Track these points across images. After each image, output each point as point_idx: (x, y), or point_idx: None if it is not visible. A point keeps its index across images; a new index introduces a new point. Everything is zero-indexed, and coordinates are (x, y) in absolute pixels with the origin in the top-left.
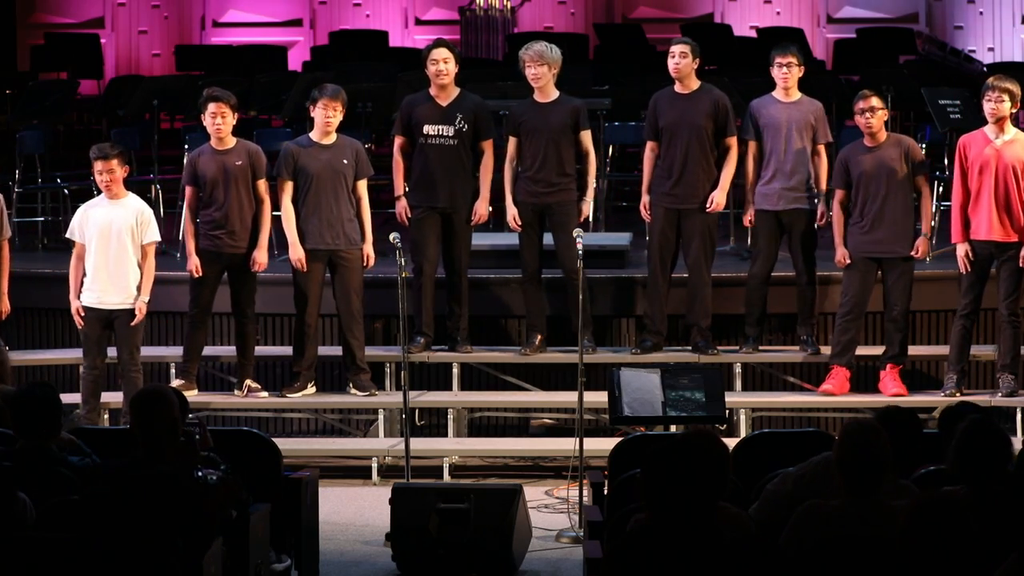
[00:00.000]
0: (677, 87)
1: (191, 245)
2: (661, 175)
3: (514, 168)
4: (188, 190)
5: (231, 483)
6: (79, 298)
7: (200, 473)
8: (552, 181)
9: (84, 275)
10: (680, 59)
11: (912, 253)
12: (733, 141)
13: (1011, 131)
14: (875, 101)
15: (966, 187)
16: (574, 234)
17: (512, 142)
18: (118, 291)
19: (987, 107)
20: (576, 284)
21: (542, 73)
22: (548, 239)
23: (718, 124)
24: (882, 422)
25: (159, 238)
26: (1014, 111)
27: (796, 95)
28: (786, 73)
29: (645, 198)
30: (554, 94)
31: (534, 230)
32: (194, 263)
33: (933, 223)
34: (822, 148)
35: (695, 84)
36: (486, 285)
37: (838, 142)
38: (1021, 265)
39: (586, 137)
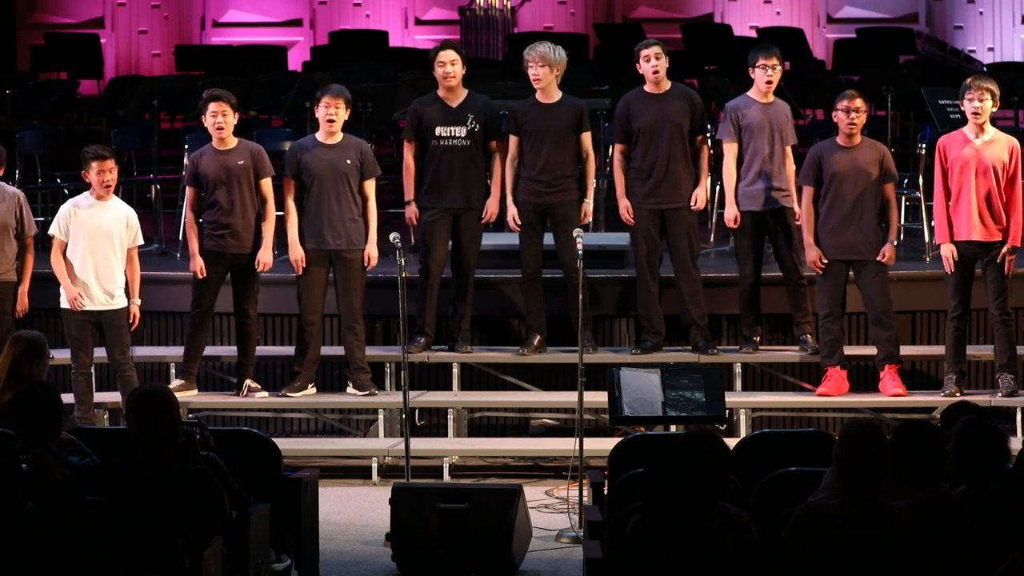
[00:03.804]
0: (650, 88)
1: (194, 246)
2: (639, 177)
3: (515, 168)
4: (189, 191)
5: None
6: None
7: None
8: (553, 181)
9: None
10: (656, 61)
11: (879, 258)
12: (704, 139)
13: (991, 131)
14: (860, 102)
15: (948, 188)
16: (574, 234)
17: (513, 141)
18: (105, 292)
19: (969, 106)
20: (576, 284)
21: (543, 74)
22: (548, 239)
23: (694, 123)
24: (900, 436)
25: (143, 241)
26: (995, 110)
27: (772, 97)
28: (770, 75)
29: (625, 202)
30: (557, 95)
31: (535, 230)
32: (198, 264)
33: (932, 223)
34: (788, 149)
35: (667, 84)
36: (487, 285)
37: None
38: (998, 261)
39: (586, 139)
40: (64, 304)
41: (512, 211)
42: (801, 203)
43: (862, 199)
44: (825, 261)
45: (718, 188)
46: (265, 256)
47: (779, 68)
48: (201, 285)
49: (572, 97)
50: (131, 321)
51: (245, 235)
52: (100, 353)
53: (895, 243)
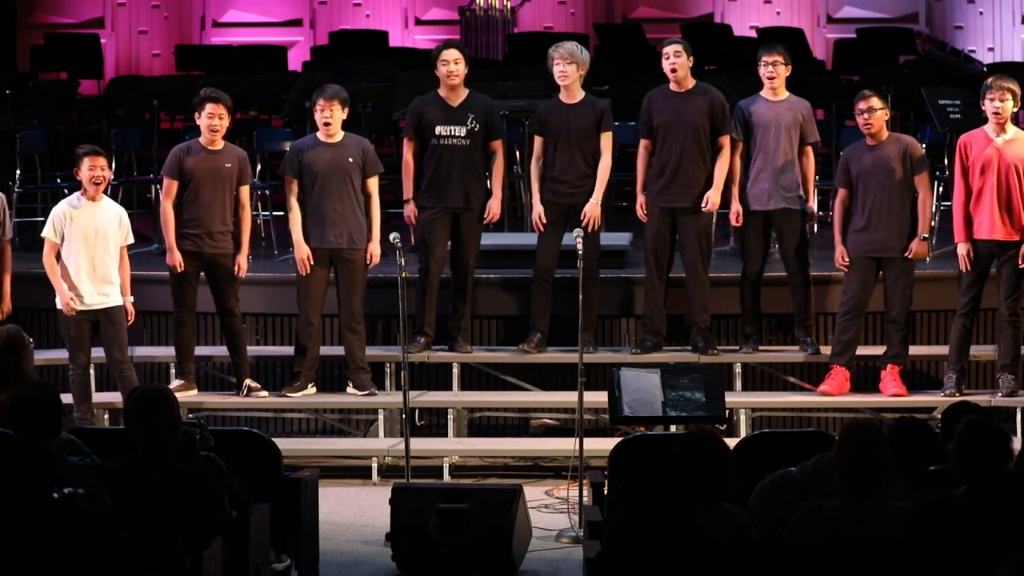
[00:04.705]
0: (672, 86)
1: (171, 239)
2: (655, 174)
3: (540, 167)
4: (170, 183)
5: (94, 492)
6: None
7: (58, 495)
8: (577, 182)
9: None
10: (675, 59)
11: (906, 254)
12: (727, 140)
13: (1012, 130)
14: (875, 101)
15: (967, 186)
16: (574, 234)
17: (538, 141)
18: (101, 292)
19: (990, 106)
20: (587, 282)
21: (570, 72)
22: (567, 239)
23: (714, 122)
24: (895, 433)
25: (133, 240)
26: (1015, 110)
27: (784, 94)
28: (772, 72)
29: (640, 198)
30: (580, 95)
31: (556, 230)
32: (177, 259)
33: (933, 223)
34: (809, 148)
35: (691, 83)
36: (487, 285)
37: (839, 142)
38: (1021, 265)
39: (605, 139)
40: (60, 304)
41: (538, 210)
42: (832, 205)
43: (889, 196)
44: (846, 260)
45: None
46: (243, 262)
47: (783, 64)
48: (180, 284)
49: (594, 97)
50: (127, 319)
51: (221, 236)
52: (98, 353)
53: (923, 237)
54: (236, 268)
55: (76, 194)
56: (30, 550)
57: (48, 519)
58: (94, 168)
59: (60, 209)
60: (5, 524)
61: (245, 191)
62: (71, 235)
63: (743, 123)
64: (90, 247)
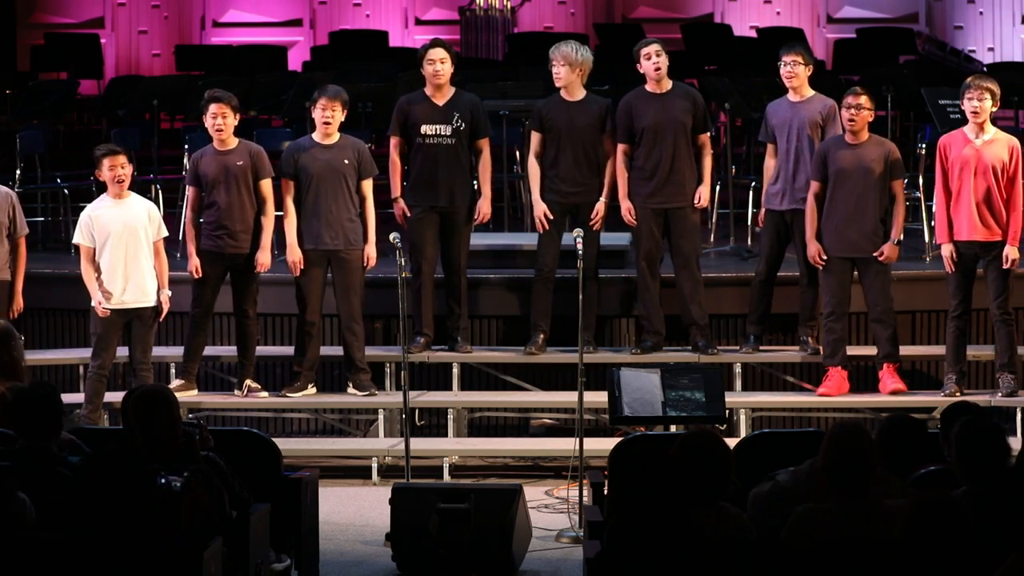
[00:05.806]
0: (651, 87)
1: (191, 247)
2: (642, 176)
3: (539, 164)
4: (190, 191)
5: (197, 488)
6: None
7: (163, 480)
8: (580, 181)
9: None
10: (657, 58)
11: (877, 256)
12: (707, 138)
13: (991, 130)
14: (864, 100)
15: (948, 188)
16: (574, 234)
17: (536, 137)
18: (136, 290)
19: (969, 106)
20: (587, 282)
21: (564, 73)
22: (567, 239)
23: (696, 122)
24: (888, 429)
25: (167, 233)
26: (994, 109)
27: (807, 93)
28: (790, 72)
29: (627, 203)
30: (581, 94)
31: (557, 230)
32: (194, 264)
33: (933, 223)
34: None
35: (669, 83)
36: (487, 285)
37: None
38: (1005, 266)
39: (610, 140)
40: (93, 303)
41: (541, 207)
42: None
43: (865, 196)
44: (825, 258)
45: (718, 188)
46: (263, 257)
47: (802, 65)
48: (200, 285)
49: (597, 96)
50: (160, 311)
51: (243, 235)
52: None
53: (896, 241)
54: (255, 263)
55: (101, 196)
56: (124, 524)
57: (147, 499)
58: (114, 167)
59: (87, 213)
60: (110, 499)
61: (264, 185)
62: (101, 236)
63: (768, 127)
64: (121, 245)
